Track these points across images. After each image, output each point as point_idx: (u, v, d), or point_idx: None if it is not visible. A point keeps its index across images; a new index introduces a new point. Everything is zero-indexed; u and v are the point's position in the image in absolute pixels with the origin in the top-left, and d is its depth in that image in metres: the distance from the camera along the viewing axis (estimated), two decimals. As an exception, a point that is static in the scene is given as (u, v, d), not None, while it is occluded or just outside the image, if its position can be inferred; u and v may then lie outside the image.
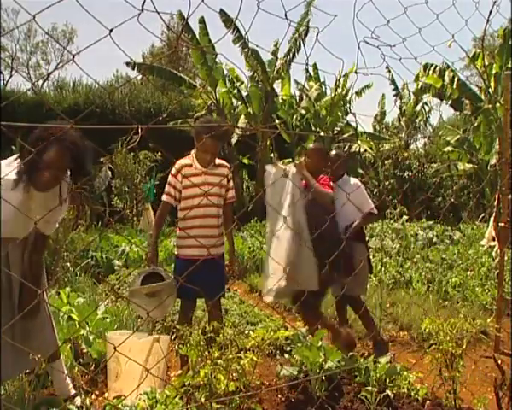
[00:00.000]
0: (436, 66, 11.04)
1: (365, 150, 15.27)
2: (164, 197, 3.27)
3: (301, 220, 3.37)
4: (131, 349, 2.51)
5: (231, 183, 3.39)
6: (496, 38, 10.02)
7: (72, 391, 2.66)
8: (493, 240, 7.81)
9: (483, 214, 12.01)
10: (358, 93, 15.57)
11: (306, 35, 12.41)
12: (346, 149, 14.71)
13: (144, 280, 3.00)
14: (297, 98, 15.50)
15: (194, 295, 3.07)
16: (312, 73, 15.59)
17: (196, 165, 3.24)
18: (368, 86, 15.35)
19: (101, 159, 11.03)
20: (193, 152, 3.31)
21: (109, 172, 11.63)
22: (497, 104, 9.82)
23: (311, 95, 15.32)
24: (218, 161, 3.34)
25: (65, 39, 27.32)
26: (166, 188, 3.27)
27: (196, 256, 3.11)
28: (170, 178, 3.26)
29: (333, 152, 4.26)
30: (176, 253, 3.37)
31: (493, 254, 7.01)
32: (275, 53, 13.50)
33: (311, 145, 3.96)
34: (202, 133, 3.14)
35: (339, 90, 14.65)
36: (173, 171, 3.25)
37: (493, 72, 10.42)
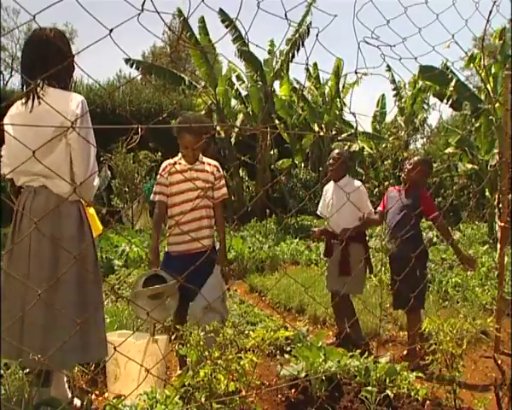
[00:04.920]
0: (435, 69, 11.01)
1: (363, 148, 15.26)
2: (157, 197, 3.28)
3: None
4: (130, 351, 2.51)
5: (222, 181, 3.36)
6: (496, 40, 9.98)
7: (69, 394, 2.64)
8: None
9: (484, 213, 11.99)
10: (348, 87, 15.52)
11: (307, 35, 12.40)
12: (345, 148, 14.71)
13: (146, 282, 2.99)
14: (296, 98, 15.47)
15: (188, 293, 3.05)
16: (312, 72, 15.59)
17: (182, 162, 3.29)
18: (356, 82, 15.29)
19: (101, 159, 11.04)
20: (179, 153, 3.36)
21: (109, 172, 11.63)
22: (497, 105, 9.82)
23: (310, 93, 15.33)
24: (205, 159, 3.36)
25: (65, 39, 27.27)
26: (157, 188, 3.28)
27: (184, 251, 3.19)
28: (158, 177, 3.30)
29: (335, 151, 4.29)
30: (166, 250, 3.36)
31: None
32: (271, 52, 13.49)
33: (415, 158, 4.00)
34: (182, 130, 3.20)
35: (338, 88, 14.65)
36: (160, 169, 3.32)
37: (493, 72, 10.41)
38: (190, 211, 3.16)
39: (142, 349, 2.72)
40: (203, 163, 3.32)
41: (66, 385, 2.63)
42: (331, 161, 4.14)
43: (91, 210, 2.71)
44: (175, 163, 3.28)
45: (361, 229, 4.01)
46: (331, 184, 4.26)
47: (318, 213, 4.45)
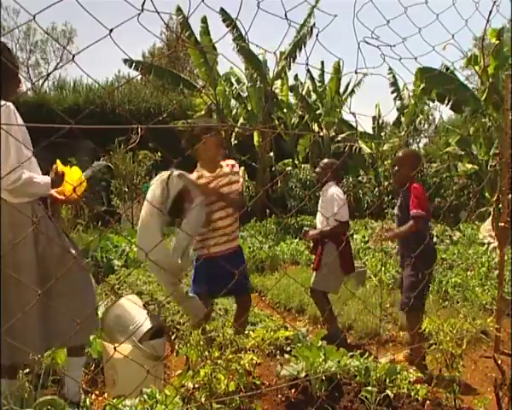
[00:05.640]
0: (434, 70, 11.01)
1: (360, 149, 15.28)
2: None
3: None
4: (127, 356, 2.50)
5: (238, 175, 3.49)
6: (494, 39, 9.96)
7: (77, 398, 2.63)
8: (491, 237, 7.84)
9: (484, 213, 11.98)
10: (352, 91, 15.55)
11: (309, 36, 12.39)
12: (345, 148, 14.71)
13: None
14: (295, 98, 15.47)
15: (217, 292, 3.16)
16: (312, 72, 15.61)
17: (205, 174, 3.30)
18: (358, 84, 15.29)
19: (101, 159, 11.02)
20: (198, 166, 3.36)
21: (104, 162, 11.45)
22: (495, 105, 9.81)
23: (309, 94, 15.35)
24: (221, 162, 3.42)
25: (64, 39, 27.35)
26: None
27: (219, 253, 3.31)
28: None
29: (323, 161, 4.57)
30: (198, 254, 3.42)
31: (493, 254, 7.01)
32: (271, 53, 13.47)
33: (400, 153, 3.92)
34: (201, 134, 3.17)
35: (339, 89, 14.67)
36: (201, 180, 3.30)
37: (492, 72, 10.40)
38: (227, 216, 3.32)
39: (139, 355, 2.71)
40: (221, 166, 3.37)
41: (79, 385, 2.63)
42: (317, 169, 4.49)
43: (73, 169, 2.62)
44: (198, 178, 3.29)
45: (327, 232, 4.24)
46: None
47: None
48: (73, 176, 2.59)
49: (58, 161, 2.53)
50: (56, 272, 2.35)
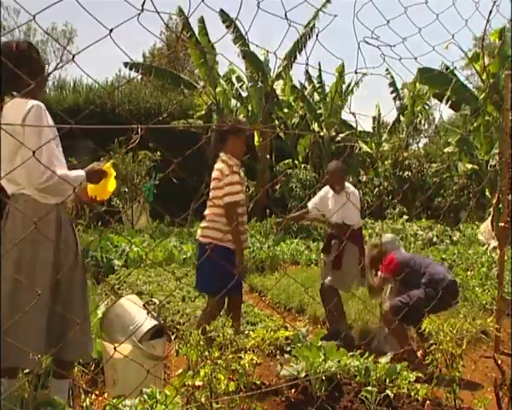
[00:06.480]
0: (434, 70, 11.00)
1: (360, 149, 15.27)
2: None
3: None
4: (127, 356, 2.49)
5: None
6: (496, 40, 9.95)
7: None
8: (492, 238, 7.84)
9: (484, 214, 11.99)
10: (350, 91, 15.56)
11: (310, 37, 12.42)
12: (346, 148, 14.70)
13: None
14: (294, 97, 15.46)
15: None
16: (313, 73, 15.62)
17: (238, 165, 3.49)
18: (357, 84, 15.31)
19: (102, 159, 11.01)
20: (225, 155, 3.40)
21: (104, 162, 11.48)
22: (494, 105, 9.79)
23: (310, 94, 15.34)
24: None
25: (64, 39, 27.35)
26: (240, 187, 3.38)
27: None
28: (234, 177, 3.32)
29: (336, 165, 4.44)
30: (226, 245, 3.31)
31: (493, 254, 7.01)
32: (271, 53, 13.51)
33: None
34: (244, 133, 3.54)
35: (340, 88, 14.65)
36: (234, 168, 3.34)
37: (493, 71, 10.39)
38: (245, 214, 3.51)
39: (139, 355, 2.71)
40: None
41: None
42: (330, 170, 4.42)
43: (107, 166, 2.55)
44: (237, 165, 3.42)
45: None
46: (331, 191, 4.44)
47: (310, 207, 4.58)
48: (108, 186, 2.55)
49: (111, 162, 2.52)
50: (65, 281, 2.33)
